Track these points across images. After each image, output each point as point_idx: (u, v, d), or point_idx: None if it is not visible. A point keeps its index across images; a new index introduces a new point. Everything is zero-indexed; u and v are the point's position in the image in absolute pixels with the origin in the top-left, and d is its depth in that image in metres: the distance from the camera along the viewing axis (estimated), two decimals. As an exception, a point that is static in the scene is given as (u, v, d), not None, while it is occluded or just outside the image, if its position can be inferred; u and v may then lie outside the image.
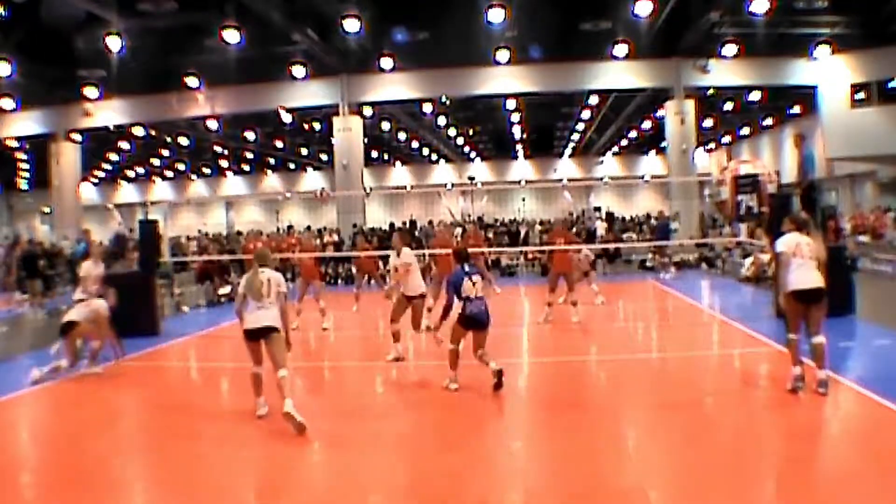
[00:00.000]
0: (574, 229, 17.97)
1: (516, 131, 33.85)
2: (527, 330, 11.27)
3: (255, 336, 6.03)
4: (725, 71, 21.47)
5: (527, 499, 4.41)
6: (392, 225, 25.25)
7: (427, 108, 26.02)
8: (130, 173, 41.53)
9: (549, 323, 10.91)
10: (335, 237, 21.05)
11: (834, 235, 17.22)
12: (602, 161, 39.84)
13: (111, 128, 25.61)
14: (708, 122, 30.25)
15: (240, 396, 6.50)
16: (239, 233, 26.25)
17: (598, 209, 32.47)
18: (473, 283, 6.76)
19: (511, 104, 26.71)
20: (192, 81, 20.67)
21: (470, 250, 13.47)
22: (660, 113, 25.29)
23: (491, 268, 18.08)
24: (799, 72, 21.61)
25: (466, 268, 6.88)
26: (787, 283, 6.37)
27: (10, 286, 16.58)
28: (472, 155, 41.23)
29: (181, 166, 39.81)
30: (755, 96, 25.39)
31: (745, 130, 34.20)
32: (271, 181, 42.63)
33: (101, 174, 39.60)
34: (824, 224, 15.49)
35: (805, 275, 6.32)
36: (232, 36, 16.95)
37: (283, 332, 6.09)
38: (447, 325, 6.96)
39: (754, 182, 12.98)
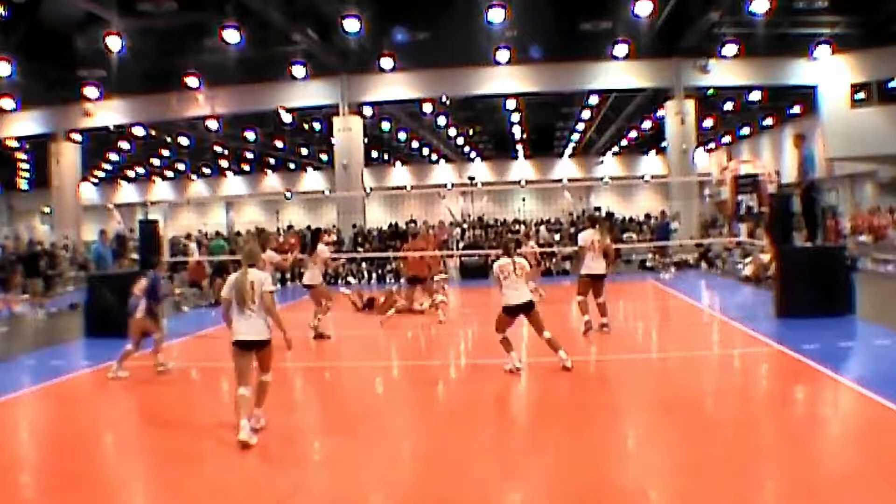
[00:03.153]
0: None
1: (516, 131, 33.85)
2: (526, 329, 11.24)
3: (247, 347, 5.60)
4: (725, 71, 21.48)
5: (527, 499, 4.41)
6: (392, 225, 25.21)
7: (427, 108, 26.04)
8: (130, 173, 41.54)
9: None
10: (334, 237, 21.05)
11: (834, 235, 17.22)
12: (602, 161, 39.83)
13: (111, 128, 25.65)
14: (708, 122, 30.28)
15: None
16: (238, 233, 26.19)
17: (598, 209, 32.44)
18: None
19: (511, 104, 26.73)
20: (192, 81, 20.68)
21: (424, 254, 12.50)
22: (660, 113, 25.29)
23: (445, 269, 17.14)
24: (799, 72, 21.61)
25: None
26: (582, 268, 9.63)
27: (17, 285, 16.54)
28: (472, 155, 41.24)
29: (181, 166, 39.83)
30: (755, 96, 25.41)
31: (745, 130, 34.20)
32: (271, 181, 42.63)
33: (101, 174, 39.62)
34: (824, 224, 15.48)
35: (594, 263, 9.52)
36: (232, 36, 16.97)
37: (283, 333, 5.71)
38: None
39: (754, 182, 13.01)
